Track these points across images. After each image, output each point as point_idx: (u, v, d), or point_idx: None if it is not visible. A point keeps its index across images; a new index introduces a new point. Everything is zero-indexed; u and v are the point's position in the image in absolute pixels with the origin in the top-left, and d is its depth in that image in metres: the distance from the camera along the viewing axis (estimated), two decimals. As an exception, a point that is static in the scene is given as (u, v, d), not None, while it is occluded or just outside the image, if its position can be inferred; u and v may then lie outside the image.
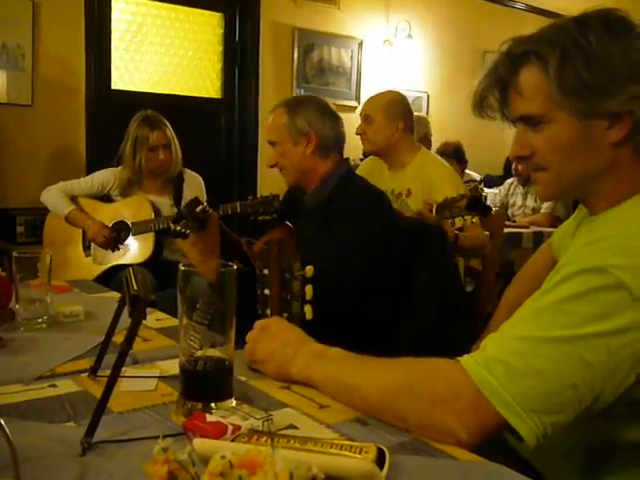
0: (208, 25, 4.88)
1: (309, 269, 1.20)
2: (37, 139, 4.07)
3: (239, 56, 5.01)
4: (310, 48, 5.28)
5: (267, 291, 1.22)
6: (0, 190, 3.92)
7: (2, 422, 0.64)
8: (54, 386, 1.07)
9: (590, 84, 0.98)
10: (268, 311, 1.22)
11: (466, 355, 0.95)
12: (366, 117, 2.89)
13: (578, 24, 1.01)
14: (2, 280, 1.43)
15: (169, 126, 3.14)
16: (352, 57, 5.51)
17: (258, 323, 1.17)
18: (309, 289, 1.20)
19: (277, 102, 2.10)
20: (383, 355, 1.02)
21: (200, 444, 0.68)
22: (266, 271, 1.21)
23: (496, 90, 1.09)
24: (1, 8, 3.85)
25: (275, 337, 1.12)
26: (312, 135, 1.97)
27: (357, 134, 2.91)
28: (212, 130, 4.96)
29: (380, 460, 0.77)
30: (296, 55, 5.21)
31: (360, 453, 0.77)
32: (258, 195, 2.12)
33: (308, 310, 1.21)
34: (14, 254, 1.42)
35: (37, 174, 3.98)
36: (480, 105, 1.12)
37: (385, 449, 0.80)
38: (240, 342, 1.07)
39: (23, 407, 0.98)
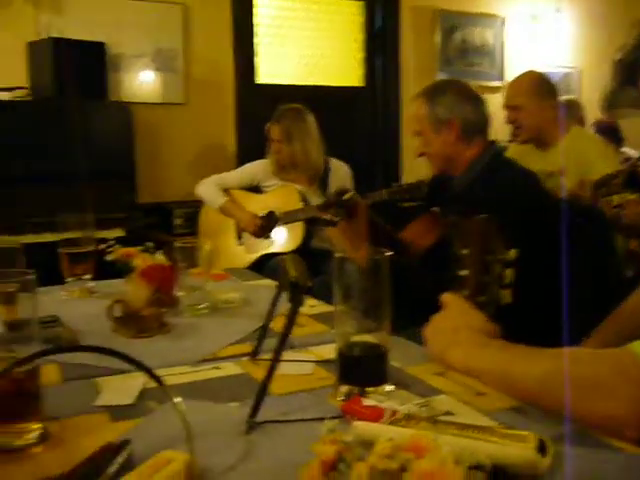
0: (348, 14, 4.91)
1: (512, 252, 1.14)
2: (191, 135, 4.30)
3: (380, 43, 5.01)
4: (452, 30, 5.16)
5: (465, 272, 1.16)
6: (158, 185, 4.18)
7: (179, 400, 0.68)
8: (217, 368, 1.13)
9: None
10: (465, 292, 1.16)
11: (636, 342, 0.89)
12: (514, 107, 2.79)
13: None
14: (167, 268, 1.53)
15: (295, 123, 3.16)
16: (495, 36, 5.33)
17: (444, 296, 1.15)
18: (509, 272, 1.14)
19: (419, 88, 2.09)
20: (539, 344, 0.98)
21: (361, 427, 0.69)
22: (465, 251, 1.17)
23: None
24: (154, 15, 4.10)
25: (450, 319, 1.11)
26: (453, 122, 1.94)
27: (508, 123, 2.83)
28: (355, 118, 4.99)
29: (541, 450, 0.75)
30: (438, 38, 5.12)
31: (522, 442, 0.75)
32: (403, 182, 2.13)
33: (506, 294, 1.15)
34: (176, 244, 1.51)
35: (191, 168, 4.20)
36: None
37: (546, 439, 0.77)
38: (397, 328, 1.07)
39: (191, 387, 1.04)
